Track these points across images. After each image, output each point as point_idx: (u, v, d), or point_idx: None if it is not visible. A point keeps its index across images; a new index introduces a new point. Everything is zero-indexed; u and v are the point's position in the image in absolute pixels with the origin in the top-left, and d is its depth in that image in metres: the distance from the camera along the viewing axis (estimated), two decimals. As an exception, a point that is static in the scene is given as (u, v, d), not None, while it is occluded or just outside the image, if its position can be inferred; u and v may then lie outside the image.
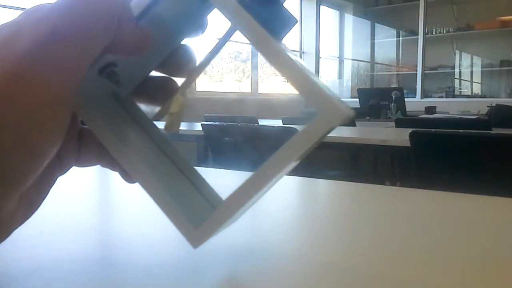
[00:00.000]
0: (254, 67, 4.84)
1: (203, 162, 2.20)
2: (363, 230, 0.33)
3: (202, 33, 0.27)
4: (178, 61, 0.27)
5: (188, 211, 0.24)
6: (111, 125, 0.24)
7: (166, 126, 0.25)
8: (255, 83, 4.87)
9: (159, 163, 0.27)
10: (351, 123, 2.66)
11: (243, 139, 1.78)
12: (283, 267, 0.26)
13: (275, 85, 5.25)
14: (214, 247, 0.28)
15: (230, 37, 0.25)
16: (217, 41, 0.25)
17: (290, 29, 0.23)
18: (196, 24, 0.27)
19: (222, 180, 0.52)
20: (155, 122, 0.28)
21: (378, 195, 0.47)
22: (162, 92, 0.27)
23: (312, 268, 0.25)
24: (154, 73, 0.28)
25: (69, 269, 0.24)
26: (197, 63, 0.27)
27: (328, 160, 2.56)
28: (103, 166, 0.26)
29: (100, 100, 0.26)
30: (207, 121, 2.07)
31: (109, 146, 0.24)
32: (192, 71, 0.26)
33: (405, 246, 0.29)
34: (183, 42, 0.27)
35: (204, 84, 4.28)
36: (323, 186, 0.53)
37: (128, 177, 0.26)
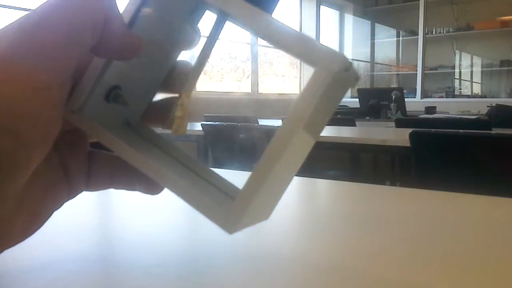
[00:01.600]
0: (254, 67, 4.84)
1: (203, 162, 2.20)
2: (363, 230, 0.33)
3: (196, 44, 0.27)
4: (178, 78, 0.27)
5: (214, 202, 0.24)
6: (127, 141, 0.25)
7: (173, 129, 0.25)
8: (255, 83, 4.87)
9: (180, 169, 0.27)
10: (351, 123, 2.66)
11: (243, 139, 1.78)
12: (282, 268, 0.26)
13: (275, 85, 5.25)
14: (214, 247, 0.28)
15: (221, 28, 0.24)
16: (208, 36, 0.25)
17: (277, 3, 0.23)
18: (188, 35, 0.27)
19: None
20: (167, 138, 0.28)
21: (378, 195, 0.47)
22: (170, 112, 0.27)
23: (312, 269, 0.25)
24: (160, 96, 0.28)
25: (69, 269, 0.24)
26: (194, 62, 0.27)
27: (328, 160, 2.56)
28: (117, 188, 0.26)
29: (113, 126, 0.26)
30: (207, 121, 2.07)
31: (130, 158, 0.24)
32: (192, 72, 0.26)
33: (405, 246, 0.29)
34: (179, 58, 0.28)
35: (204, 84, 4.28)
36: (323, 186, 0.53)
37: (152, 189, 0.26)
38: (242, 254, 0.27)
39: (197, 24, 0.26)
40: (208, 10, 0.24)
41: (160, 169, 0.24)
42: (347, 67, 0.20)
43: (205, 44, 0.25)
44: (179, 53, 0.27)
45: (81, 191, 0.26)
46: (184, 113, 0.25)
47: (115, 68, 0.24)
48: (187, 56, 0.28)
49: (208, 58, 0.25)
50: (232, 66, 4.87)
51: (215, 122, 2.03)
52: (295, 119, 0.20)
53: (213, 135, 1.93)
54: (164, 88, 0.28)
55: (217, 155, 2.03)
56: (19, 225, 0.22)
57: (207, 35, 0.25)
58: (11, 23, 0.20)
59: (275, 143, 0.21)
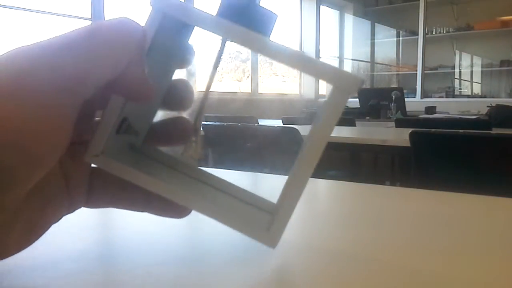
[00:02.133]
0: (254, 67, 4.84)
1: (203, 162, 2.20)
2: (363, 230, 0.33)
3: (191, 61, 0.27)
4: (177, 96, 0.27)
5: (251, 219, 0.26)
6: (140, 168, 0.25)
7: (190, 154, 0.27)
8: (255, 83, 4.87)
9: (208, 191, 0.28)
10: (351, 123, 2.66)
11: (243, 139, 1.78)
12: (282, 268, 0.26)
13: (275, 85, 5.25)
14: (214, 247, 0.28)
15: (224, 49, 0.25)
16: (214, 57, 0.26)
17: (274, 25, 0.25)
18: (182, 53, 0.27)
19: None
20: (173, 155, 0.29)
21: (378, 195, 0.47)
22: (175, 131, 0.28)
23: (310, 268, 0.25)
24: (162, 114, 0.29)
25: (69, 269, 0.24)
26: (199, 87, 0.27)
27: (328, 160, 2.56)
28: (120, 208, 0.27)
29: (119, 153, 0.27)
30: (207, 121, 2.06)
31: (151, 186, 0.25)
32: (199, 100, 0.27)
33: (405, 246, 0.29)
34: (177, 77, 0.28)
35: (204, 84, 4.28)
36: (323, 186, 0.53)
37: (175, 213, 0.26)
38: (242, 254, 0.27)
39: (187, 40, 0.27)
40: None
41: (195, 198, 0.25)
42: (361, 83, 0.23)
43: (213, 64, 0.26)
44: (174, 71, 0.28)
45: (81, 207, 0.26)
46: (198, 137, 0.27)
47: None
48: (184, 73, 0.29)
49: (213, 80, 0.26)
50: (232, 66, 4.87)
51: (215, 122, 2.03)
52: (323, 135, 0.23)
53: (213, 135, 1.93)
54: (163, 107, 0.28)
55: (218, 155, 2.03)
56: (15, 236, 0.22)
57: (213, 59, 0.26)
58: (39, 42, 0.20)
59: (307, 157, 0.23)
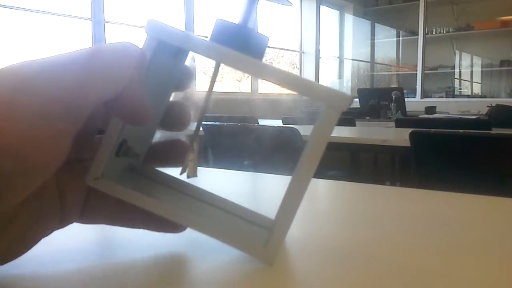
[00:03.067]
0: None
1: (203, 162, 2.20)
2: (363, 230, 0.33)
3: (188, 83, 0.28)
4: (174, 118, 0.28)
5: (247, 236, 0.27)
6: (139, 189, 0.26)
7: (187, 172, 0.27)
8: (255, 83, 4.87)
9: (207, 210, 0.29)
10: (351, 123, 2.66)
11: (243, 139, 1.78)
12: (282, 268, 0.26)
13: (275, 85, 5.24)
14: (214, 246, 0.28)
15: (218, 73, 0.26)
16: (209, 80, 0.27)
17: (266, 46, 0.26)
18: (179, 75, 0.28)
19: (222, 180, 0.52)
20: (171, 174, 0.30)
21: (378, 195, 0.47)
22: (173, 152, 0.29)
23: (310, 267, 0.25)
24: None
25: (69, 269, 0.24)
26: (196, 109, 0.28)
27: (328, 160, 2.55)
28: (116, 225, 0.27)
29: (119, 174, 0.28)
30: (207, 121, 2.07)
31: (150, 207, 0.25)
32: (195, 120, 0.28)
33: (405, 245, 0.29)
34: (174, 99, 0.29)
35: (204, 84, 4.28)
36: (323, 186, 0.53)
37: (172, 228, 0.27)
38: (243, 253, 0.27)
39: (183, 63, 0.28)
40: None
41: (191, 217, 0.26)
42: (351, 101, 0.24)
43: (208, 88, 0.27)
44: (171, 94, 0.29)
45: (73, 222, 0.26)
46: (195, 156, 0.27)
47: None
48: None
49: (208, 102, 0.27)
50: (232, 66, 4.86)
51: (215, 122, 2.03)
52: (316, 152, 0.24)
53: (213, 135, 1.93)
54: (161, 128, 0.29)
55: (217, 155, 2.03)
56: (2, 248, 0.22)
57: (208, 82, 0.27)
58: (42, 58, 0.21)
59: (301, 176, 0.24)
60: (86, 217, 0.26)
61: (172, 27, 0.24)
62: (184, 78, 0.28)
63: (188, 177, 0.27)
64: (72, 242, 0.29)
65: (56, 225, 0.25)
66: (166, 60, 0.25)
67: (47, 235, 0.24)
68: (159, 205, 0.25)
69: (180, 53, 0.27)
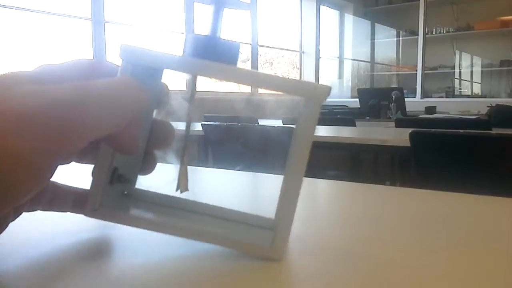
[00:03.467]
0: (254, 67, 4.83)
1: (203, 162, 2.20)
2: (362, 230, 0.33)
3: (167, 101, 0.29)
4: (158, 138, 0.28)
5: (251, 239, 0.27)
6: (137, 212, 0.28)
7: (178, 187, 0.28)
8: (255, 83, 4.86)
9: (196, 219, 0.30)
10: (351, 123, 2.66)
11: (243, 139, 1.78)
12: (282, 266, 0.26)
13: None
14: (213, 246, 0.28)
15: (196, 85, 0.28)
16: (189, 94, 0.28)
17: (238, 52, 0.27)
18: (157, 93, 0.28)
19: (222, 180, 0.52)
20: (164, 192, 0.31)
21: (378, 195, 0.47)
22: (161, 134, 0.29)
23: (310, 268, 0.25)
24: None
25: (69, 269, 0.24)
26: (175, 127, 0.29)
27: (328, 160, 2.56)
28: (50, 210, 0.28)
29: (115, 201, 0.29)
30: (207, 121, 2.06)
31: (156, 228, 0.27)
32: (182, 137, 0.29)
33: (405, 245, 0.29)
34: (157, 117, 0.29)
35: (204, 84, 4.28)
36: (323, 186, 0.53)
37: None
38: (241, 252, 0.27)
39: (160, 81, 0.28)
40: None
41: (195, 230, 0.27)
42: (329, 93, 0.24)
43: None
44: (153, 112, 0.29)
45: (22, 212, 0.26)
46: (185, 171, 0.28)
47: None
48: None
49: (191, 116, 0.28)
50: (232, 66, 4.86)
51: (215, 122, 2.03)
52: (304, 146, 0.25)
53: (213, 135, 1.93)
54: (148, 147, 0.29)
55: (217, 155, 2.03)
56: None
57: (188, 95, 0.28)
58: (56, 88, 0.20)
59: (294, 170, 0.25)
60: (32, 207, 0.27)
61: (144, 49, 0.25)
62: (163, 96, 0.28)
63: (181, 192, 0.28)
64: (72, 242, 0.29)
65: (10, 219, 0.25)
66: (144, 81, 0.25)
67: (3, 230, 0.25)
68: (162, 225, 0.27)
69: (155, 72, 0.27)
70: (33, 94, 0.20)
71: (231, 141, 1.84)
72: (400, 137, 1.64)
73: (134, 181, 0.30)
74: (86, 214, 0.26)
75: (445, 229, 0.34)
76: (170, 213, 0.30)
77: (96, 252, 0.28)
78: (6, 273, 0.24)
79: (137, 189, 0.30)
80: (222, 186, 0.50)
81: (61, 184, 0.28)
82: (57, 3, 3.24)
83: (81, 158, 0.27)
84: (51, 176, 0.21)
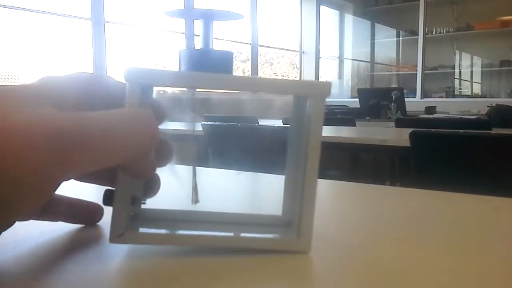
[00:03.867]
0: (254, 67, 4.84)
1: (203, 162, 2.20)
2: (362, 230, 0.33)
3: (165, 116, 0.29)
4: (160, 156, 0.28)
5: (274, 236, 0.28)
6: (158, 230, 0.28)
7: (193, 200, 0.30)
8: (255, 83, 4.86)
9: (214, 228, 0.30)
10: (351, 123, 2.66)
11: (243, 139, 1.78)
12: (281, 267, 0.26)
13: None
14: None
15: (195, 96, 0.28)
16: (190, 108, 0.29)
17: (232, 60, 0.27)
18: (154, 110, 0.29)
19: (222, 180, 0.52)
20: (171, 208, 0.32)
21: (378, 195, 0.47)
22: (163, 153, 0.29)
23: (310, 268, 0.25)
24: None
25: (69, 269, 0.24)
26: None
27: (328, 160, 2.55)
28: (41, 219, 0.29)
29: (131, 222, 0.29)
30: (207, 121, 2.06)
31: (184, 242, 0.27)
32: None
33: (405, 246, 0.29)
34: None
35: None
36: (323, 186, 0.53)
37: (90, 221, 0.30)
38: (242, 252, 0.27)
39: (152, 97, 0.29)
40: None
41: (221, 238, 0.28)
42: (330, 88, 0.26)
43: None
44: None
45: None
46: (195, 184, 0.30)
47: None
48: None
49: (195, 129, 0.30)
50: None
51: (215, 122, 2.03)
52: (317, 140, 0.26)
53: (213, 135, 1.93)
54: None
55: (217, 155, 2.03)
56: None
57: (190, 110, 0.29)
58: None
59: (310, 163, 0.26)
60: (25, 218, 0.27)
61: (147, 68, 0.25)
62: (159, 112, 0.28)
63: (194, 203, 0.30)
64: (72, 242, 0.29)
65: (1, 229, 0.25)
66: (140, 100, 0.26)
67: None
68: (191, 239, 0.27)
69: (147, 88, 0.28)
70: (45, 117, 0.20)
71: (231, 141, 1.84)
72: (400, 137, 1.64)
73: (144, 202, 0.31)
74: (111, 241, 0.26)
75: (444, 229, 0.34)
76: (186, 226, 0.30)
77: (96, 253, 0.28)
78: (5, 272, 0.24)
79: (146, 209, 0.31)
80: (222, 187, 0.50)
81: (54, 194, 0.28)
82: (57, 3, 3.24)
83: (81, 177, 0.28)
84: (51, 195, 0.21)
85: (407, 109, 3.56)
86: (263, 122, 2.60)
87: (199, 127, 1.96)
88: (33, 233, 0.30)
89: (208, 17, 0.27)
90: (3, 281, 0.23)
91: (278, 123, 2.58)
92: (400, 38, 6.23)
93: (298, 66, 5.73)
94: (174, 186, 0.31)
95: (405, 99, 3.60)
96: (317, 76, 5.64)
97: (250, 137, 1.74)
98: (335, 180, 0.53)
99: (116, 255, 0.27)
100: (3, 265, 0.25)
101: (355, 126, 2.65)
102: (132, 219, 0.29)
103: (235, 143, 1.82)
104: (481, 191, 0.44)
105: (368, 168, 2.89)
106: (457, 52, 5.91)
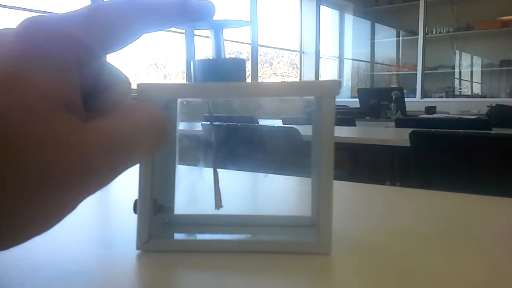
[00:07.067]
0: (254, 67, 4.84)
1: (204, 162, 2.19)
2: (362, 230, 0.33)
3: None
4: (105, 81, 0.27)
5: (298, 238, 0.29)
6: (186, 236, 0.29)
7: (215, 204, 0.30)
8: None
9: (239, 230, 0.31)
10: (351, 123, 2.66)
11: (243, 139, 1.78)
12: (280, 268, 0.26)
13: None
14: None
15: (211, 108, 0.30)
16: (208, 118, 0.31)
17: (245, 67, 0.28)
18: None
19: (222, 180, 0.52)
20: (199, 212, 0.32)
21: (378, 195, 0.47)
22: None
23: (310, 266, 0.25)
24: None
25: (69, 269, 0.24)
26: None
27: (328, 160, 2.54)
28: None
29: (160, 231, 0.29)
30: (206, 121, 2.06)
31: (208, 248, 0.28)
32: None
33: (405, 246, 0.29)
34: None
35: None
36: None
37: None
38: (241, 252, 0.27)
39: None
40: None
41: (253, 242, 0.28)
42: (340, 86, 0.26)
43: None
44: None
45: None
46: (218, 190, 0.30)
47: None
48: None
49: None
50: (232, 66, 4.86)
51: (215, 122, 2.03)
52: (330, 139, 0.26)
53: (213, 135, 1.92)
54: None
55: (217, 155, 2.03)
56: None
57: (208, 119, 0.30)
58: None
59: (324, 164, 0.26)
60: None
61: (159, 84, 0.25)
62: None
63: (217, 208, 0.30)
64: (72, 242, 0.29)
65: None
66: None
67: None
68: (212, 244, 0.28)
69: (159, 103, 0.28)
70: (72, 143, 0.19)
71: (231, 141, 1.84)
72: (400, 137, 1.64)
73: (172, 208, 0.31)
74: (138, 248, 0.27)
75: (444, 229, 0.34)
76: (214, 230, 0.31)
77: (96, 253, 0.28)
78: (6, 272, 0.24)
79: (175, 215, 0.32)
80: (222, 186, 0.50)
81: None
82: (57, 3, 3.24)
83: None
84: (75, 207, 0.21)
85: (407, 109, 3.56)
86: (263, 122, 2.60)
87: (198, 126, 1.96)
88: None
89: (218, 27, 0.28)
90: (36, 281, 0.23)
91: (278, 123, 2.58)
92: (400, 38, 6.23)
93: (298, 66, 5.73)
94: (202, 191, 0.31)
95: (405, 99, 3.60)
96: (317, 76, 5.64)
97: (250, 137, 1.74)
98: (335, 180, 0.53)
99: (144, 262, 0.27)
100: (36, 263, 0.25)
101: (355, 126, 2.65)
102: (167, 225, 0.30)
103: (235, 143, 1.82)
104: (481, 191, 0.44)
105: (368, 168, 2.89)
106: (457, 52, 5.91)
